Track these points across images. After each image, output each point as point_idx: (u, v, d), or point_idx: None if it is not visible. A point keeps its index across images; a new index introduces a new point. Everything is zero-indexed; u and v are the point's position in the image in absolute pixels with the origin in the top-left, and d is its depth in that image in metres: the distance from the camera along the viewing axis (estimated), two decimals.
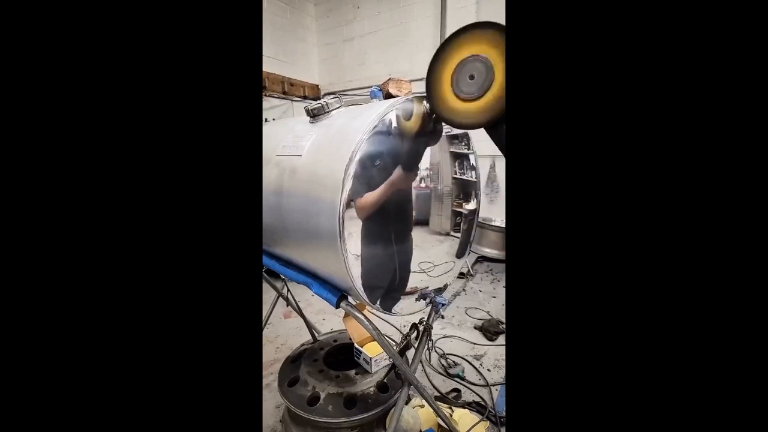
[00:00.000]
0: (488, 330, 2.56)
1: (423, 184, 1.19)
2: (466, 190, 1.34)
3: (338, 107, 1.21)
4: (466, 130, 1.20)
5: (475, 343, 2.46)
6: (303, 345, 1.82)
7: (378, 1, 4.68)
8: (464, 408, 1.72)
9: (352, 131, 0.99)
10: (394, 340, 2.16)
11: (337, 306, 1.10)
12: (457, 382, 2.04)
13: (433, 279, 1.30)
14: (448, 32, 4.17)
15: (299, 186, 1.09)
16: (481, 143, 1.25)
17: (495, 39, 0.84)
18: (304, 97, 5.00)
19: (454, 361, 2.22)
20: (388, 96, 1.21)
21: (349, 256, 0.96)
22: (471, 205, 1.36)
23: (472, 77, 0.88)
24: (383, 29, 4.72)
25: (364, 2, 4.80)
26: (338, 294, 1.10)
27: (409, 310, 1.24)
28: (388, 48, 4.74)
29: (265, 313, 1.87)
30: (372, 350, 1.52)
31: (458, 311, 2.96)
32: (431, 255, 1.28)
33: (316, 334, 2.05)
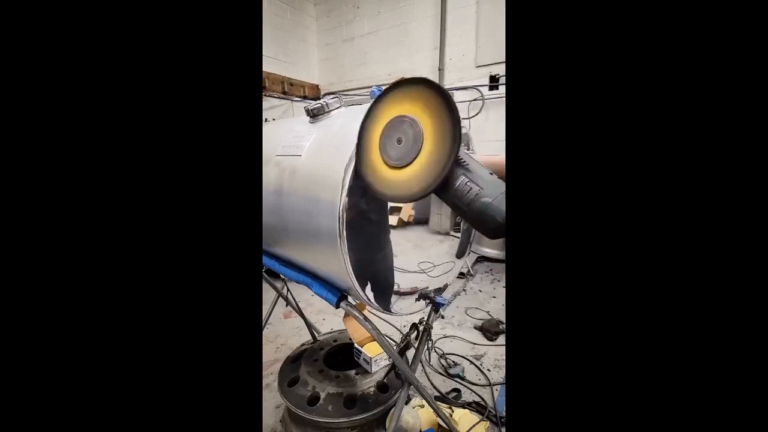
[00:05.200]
0: (488, 330, 2.56)
1: None
2: None
3: (338, 107, 1.21)
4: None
5: (475, 343, 2.46)
6: (303, 345, 1.82)
7: (378, 1, 4.68)
8: (464, 408, 1.72)
9: (352, 131, 0.99)
10: (394, 340, 2.16)
11: (337, 306, 1.10)
12: (457, 382, 2.04)
13: (433, 279, 1.30)
14: (448, 32, 4.20)
15: (299, 186, 1.09)
16: (481, 144, 1.26)
17: (425, 97, 0.76)
18: (304, 97, 5.00)
19: (454, 361, 2.22)
20: None
21: (349, 256, 0.96)
22: None
23: (399, 141, 0.78)
24: (383, 29, 4.73)
25: (364, 2, 4.80)
26: (338, 294, 1.10)
27: (409, 310, 1.24)
28: (388, 48, 4.74)
29: (265, 313, 1.87)
30: (372, 350, 1.52)
31: (458, 311, 2.96)
32: (431, 255, 1.28)
33: (316, 334, 2.05)
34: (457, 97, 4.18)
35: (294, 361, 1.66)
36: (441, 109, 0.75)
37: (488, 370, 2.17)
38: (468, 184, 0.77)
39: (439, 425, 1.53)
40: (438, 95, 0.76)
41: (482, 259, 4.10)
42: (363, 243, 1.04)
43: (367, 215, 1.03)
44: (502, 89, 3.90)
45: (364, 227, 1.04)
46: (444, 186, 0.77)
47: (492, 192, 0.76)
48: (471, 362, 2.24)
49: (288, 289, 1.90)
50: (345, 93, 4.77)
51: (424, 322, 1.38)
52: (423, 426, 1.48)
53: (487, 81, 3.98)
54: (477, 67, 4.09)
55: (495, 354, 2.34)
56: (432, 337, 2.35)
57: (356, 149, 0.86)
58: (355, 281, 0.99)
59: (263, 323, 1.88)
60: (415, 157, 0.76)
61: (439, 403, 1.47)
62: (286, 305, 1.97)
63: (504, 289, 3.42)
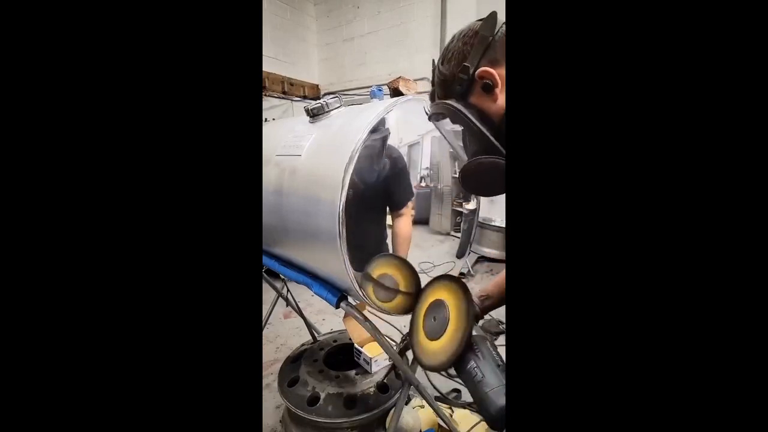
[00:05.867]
0: (488, 330, 2.55)
1: (423, 184, 1.19)
2: None
3: (338, 107, 1.21)
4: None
5: None
6: (303, 345, 1.82)
7: (378, 1, 4.68)
8: (464, 408, 1.72)
9: (352, 131, 0.99)
10: (394, 340, 2.15)
11: (337, 306, 1.10)
12: (457, 382, 2.04)
13: None
14: (449, 32, 4.19)
15: (299, 186, 1.09)
16: None
17: (450, 286, 0.97)
18: (304, 97, 5.00)
19: None
20: (397, 93, 1.21)
21: (349, 256, 0.96)
22: (471, 205, 1.36)
23: (434, 319, 0.97)
24: (383, 29, 4.73)
25: (364, 2, 4.80)
26: (338, 294, 1.10)
27: None
28: (388, 48, 4.74)
29: (265, 313, 1.87)
30: (372, 350, 1.52)
31: None
32: (431, 255, 1.28)
33: (316, 334, 2.05)
34: None
35: (294, 361, 1.66)
36: (460, 296, 0.94)
37: None
38: (475, 369, 0.88)
39: (439, 425, 1.53)
40: (459, 286, 0.95)
41: (482, 259, 4.09)
42: (369, 230, 1.11)
43: (370, 203, 1.09)
44: None
45: (370, 214, 1.09)
46: (461, 363, 0.91)
47: (491, 382, 0.85)
48: None
49: (288, 289, 1.90)
50: (345, 93, 4.77)
51: None
52: (423, 426, 1.48)
53: None
54: None
55: None
56: None
57: (409, 333, 1.07)
58: (355, 281, 0.99)
59: (263, 323, 1.88)
60: (443, 332, 0.93)
61: (439, 403, 1.47)
62: (286, 305, 1.97)
63: None
